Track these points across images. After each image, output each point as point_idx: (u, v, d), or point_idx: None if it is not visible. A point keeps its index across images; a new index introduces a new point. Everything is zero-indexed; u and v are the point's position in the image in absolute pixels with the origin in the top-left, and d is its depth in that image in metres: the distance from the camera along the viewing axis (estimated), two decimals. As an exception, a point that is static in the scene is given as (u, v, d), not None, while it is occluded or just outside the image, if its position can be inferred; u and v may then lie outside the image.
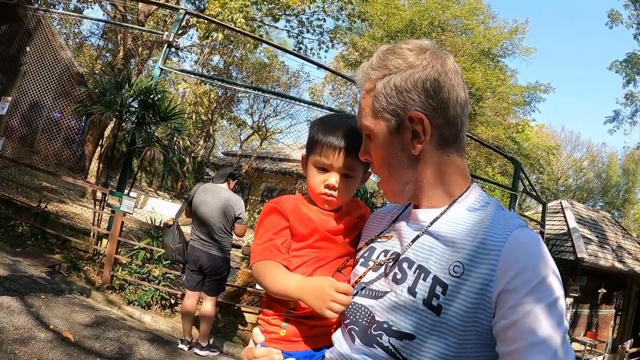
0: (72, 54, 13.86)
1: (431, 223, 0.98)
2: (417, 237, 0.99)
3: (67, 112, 9.51)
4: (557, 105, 66.50)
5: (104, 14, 14.14)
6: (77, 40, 18.39)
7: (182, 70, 11.45)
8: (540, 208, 11.55)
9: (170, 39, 6.76)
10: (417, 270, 0.93)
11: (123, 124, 6.62)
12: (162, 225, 5.18)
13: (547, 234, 11.40)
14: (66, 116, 9.76)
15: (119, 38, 13.40)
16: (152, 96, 6.12)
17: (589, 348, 12.60)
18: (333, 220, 1.22)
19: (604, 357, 13.27)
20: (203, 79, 12.96)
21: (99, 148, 11.08)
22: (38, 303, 4.46)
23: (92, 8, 14.48)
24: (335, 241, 1.20)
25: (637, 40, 14.85)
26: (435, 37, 17.79)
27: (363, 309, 1.00)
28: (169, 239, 4.59)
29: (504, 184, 13.02)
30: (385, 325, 0.94)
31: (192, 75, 11.39)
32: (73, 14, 11.26)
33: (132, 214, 5.88)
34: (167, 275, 5.72)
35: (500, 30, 20.59)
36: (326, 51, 16.67)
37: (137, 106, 6.20)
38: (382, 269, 1.02)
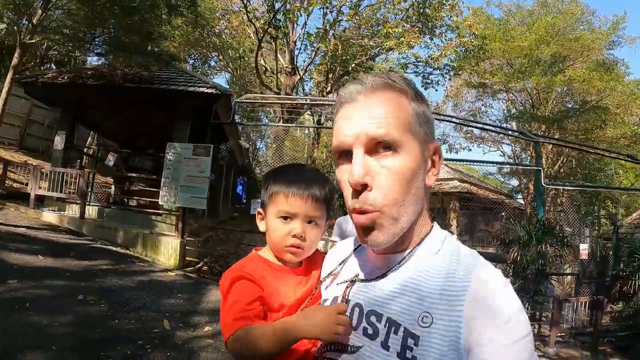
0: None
1: (395, 270, 0.91)
2: (382, 286, 0.91)
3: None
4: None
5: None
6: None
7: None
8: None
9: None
10: (387, 324, 0.87)
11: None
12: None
13: None
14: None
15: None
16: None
17: None
18: (300, 286, 1.09)
19: None
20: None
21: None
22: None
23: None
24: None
25: None
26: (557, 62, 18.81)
27: None
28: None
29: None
30: None
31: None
32: (280, 124, 13.46)
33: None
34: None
35: (603, 29, 21.01)
36: (449, 79, 18.52)
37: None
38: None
